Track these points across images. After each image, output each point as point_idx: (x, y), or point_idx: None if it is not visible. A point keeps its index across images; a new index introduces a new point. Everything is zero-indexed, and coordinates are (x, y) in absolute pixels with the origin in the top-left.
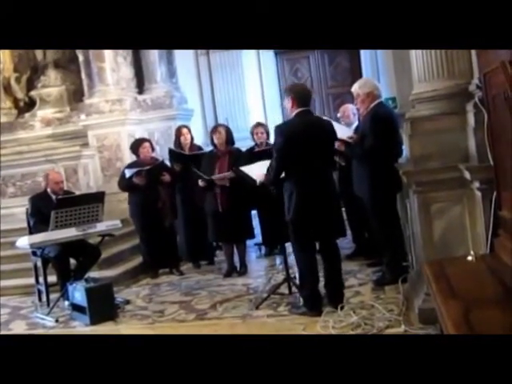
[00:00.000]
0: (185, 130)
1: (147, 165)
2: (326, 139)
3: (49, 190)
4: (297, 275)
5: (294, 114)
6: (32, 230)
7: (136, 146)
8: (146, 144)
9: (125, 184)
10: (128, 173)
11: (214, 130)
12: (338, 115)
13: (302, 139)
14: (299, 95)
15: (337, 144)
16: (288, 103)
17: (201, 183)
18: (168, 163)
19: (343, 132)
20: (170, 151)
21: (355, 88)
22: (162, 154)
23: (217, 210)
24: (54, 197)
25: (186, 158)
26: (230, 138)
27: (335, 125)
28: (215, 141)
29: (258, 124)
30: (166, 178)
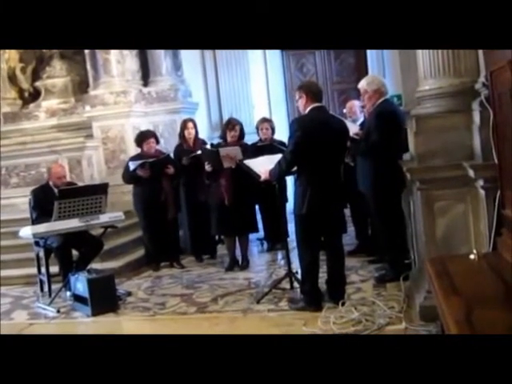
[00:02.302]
0: (190, 125)
1: (151, 157)
2: (340, 137)
3: (51, 183)
4: (298, 271)
5: (308, 109)
6: (35, 223)
7: (140, 139)
8: (151, 139)
9: (128, 176)
10: (132, 165)
11: (231, 126)
12: (344, 111)
13: (319, 135)
14: (312, 91)
15: None
16: (301, 100)
17: (208, 167)
18: (172, 156)
19: (352, 128)
20: (178, 148)
21: (362, 84)
22: (166, 146)
23: (221, 203)
24: (56, 190)
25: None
26: (242, 134)
27: None
28: (229, 137)
29: (264, 120)
30: (170, 170)
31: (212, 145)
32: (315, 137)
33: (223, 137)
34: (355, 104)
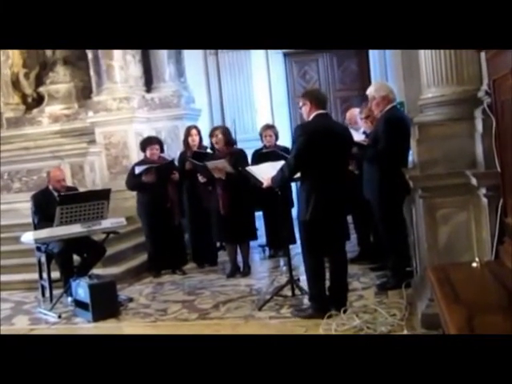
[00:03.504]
0: (194, 131)
1: (154, 163)
2: (344, 144)
3: (50, 187)
4: (300, 278)
5: (312, 116)
6: (37, 228)
7: (145, 144)
8: (156, 146)
9: (133, 182)
10: (138, 169)
11: (212, 133)
12: (346, 121)
13: (323, 141)
14: (317, 98)
15: None
16: (306, 107)
17: (201, 179)
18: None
19: (356, 136)
20: (182, 155)
21: (371, 91)
22: (168, 153)
23: (220, 212)
24: (55, 194)
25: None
26: (228, 139)
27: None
28: (214, 144)
29: (268, 126)
30: (176, 176)
31: (212, 148)
32: (319, 143)
33: (211, 145)
34: (354, 113)
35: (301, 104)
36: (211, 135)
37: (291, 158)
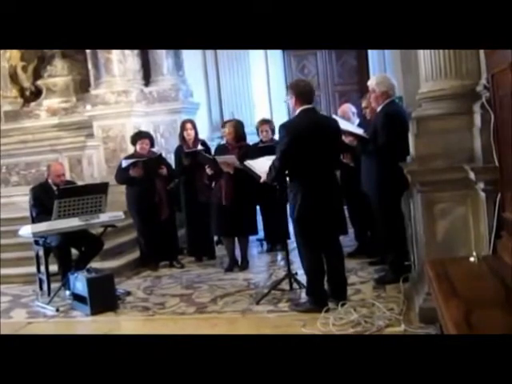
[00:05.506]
0: (189, 125)
1: (144, 157)
2: (330, 138)
3: (50, 181)
4: (298, 272)
5: (297, 111)
6: (35, 221)
7: (135, 138)
8: (146, 140)
9: (121, 177)
10: (124, 163)
11: (222, 126)
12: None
13: (307, 139)
14: (301, 94)
15: (349, 139)
16: (291, 101)
17: (208, 171)
18: (171, 158)
19: (356, 130)
20: (178, 149)
21: (372, 83)
22: (166, 146)
23: (221, 204)
24: (55, 188)
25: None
26: (239, 134)
27: (347, 123)
28: (224, 136)
29: (264, 121)
30: (164, 171)
31: (203, 143)
32: (302, 142)
33: (223, 137)
34: (347, 108)
35: (288, 96)
36: (222, 126)
37: (276, 160)
